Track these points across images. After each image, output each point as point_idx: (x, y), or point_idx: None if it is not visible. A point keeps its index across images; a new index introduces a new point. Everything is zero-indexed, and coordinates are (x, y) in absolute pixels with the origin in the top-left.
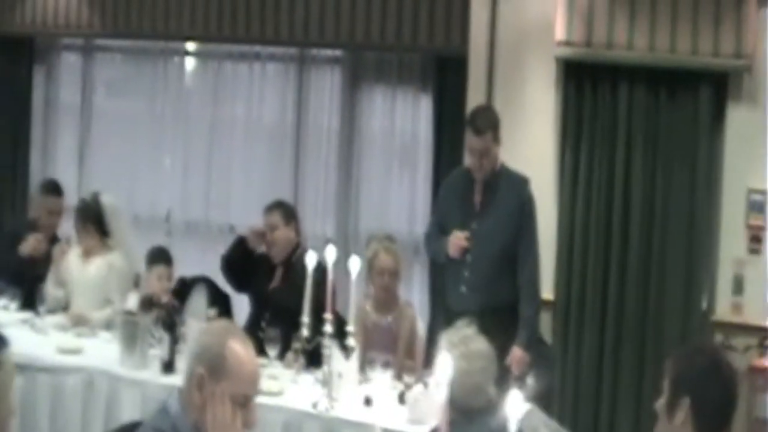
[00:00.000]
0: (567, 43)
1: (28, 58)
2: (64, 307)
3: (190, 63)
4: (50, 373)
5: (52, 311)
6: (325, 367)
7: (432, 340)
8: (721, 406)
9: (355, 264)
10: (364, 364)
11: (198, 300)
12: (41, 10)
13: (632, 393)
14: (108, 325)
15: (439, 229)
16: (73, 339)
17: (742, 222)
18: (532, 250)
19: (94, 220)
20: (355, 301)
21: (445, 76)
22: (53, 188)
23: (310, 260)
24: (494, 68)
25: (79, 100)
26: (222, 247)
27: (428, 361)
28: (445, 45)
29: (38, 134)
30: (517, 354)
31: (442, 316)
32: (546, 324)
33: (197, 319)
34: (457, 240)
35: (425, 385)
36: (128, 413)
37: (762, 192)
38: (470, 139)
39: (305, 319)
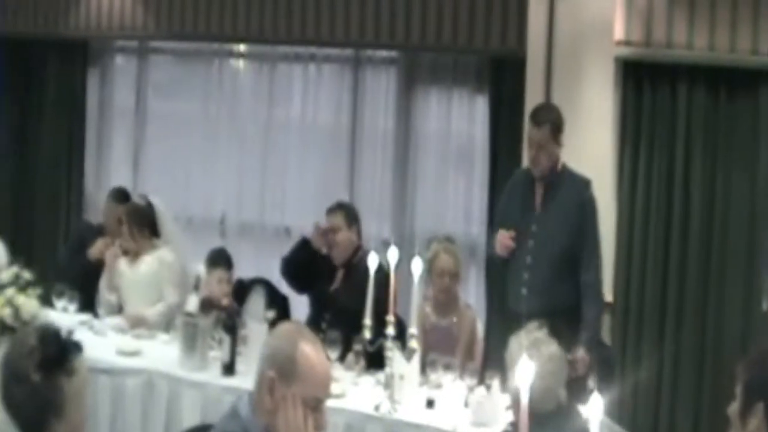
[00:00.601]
0: (626, 43)
1: (82, 62)
2: (118, 311)
3: (244, 65)
4: (110, 375)
5: (108, 315)
6: (387, 369)
7: (489, 341)
8: None
9: (417, 266)
10: (426, 366)
11: (256, 302)
12: (95, 13)
13: (692, 394)
14: (165, 325)
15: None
16: (132, 341)
17: None
18: (594, 252)
19: (148, 223)
20: (416, 302)
21: (501, 77)
22: (123, 196)
23: (372, 262)
24: (552, 69)
25: (133, 102)
26: (277, 248)
27: (486, 363)
28: (502, 46)
29: (93, 137)
30: (579, 355)
31: (500, 317)
32: (605, 326)
33: (256, 321)
34: (503, 238)
35: (488, 387)
36: (188, 415)
37: None
38: (529, 131)
39: (367, 321)
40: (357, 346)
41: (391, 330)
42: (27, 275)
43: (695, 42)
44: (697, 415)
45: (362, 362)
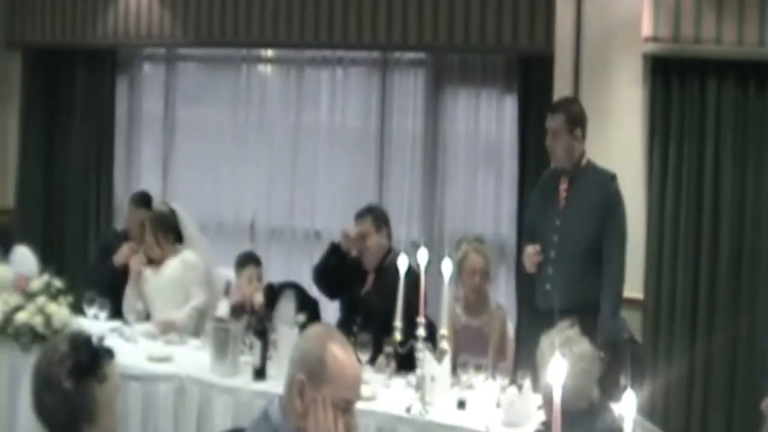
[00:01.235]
0: (654, 39)
1: (110, 70)
2: (145, 317)
3: (272, 70)
4: (141, 381)
5: (136, 322)
6: (418, 371)
7: (520, 341)
8: None
9: (447, 267)
10: (457, 367)
11: (287, 306)
12: (123, 21)
13: (724, 392)
14: (195, 329)
15: (530, 231)
16: (163, 347)
17: None
18: (616, 246)
19: (172, 229)
20: (447, 303)
21: (529, 76)
22: (145, 200)
23: (402, 264)
24: (580, 66)
25: (161, 109)
26: (307, 252)
27: (518, 363)
28: (530, 45)
29: (122, 144)
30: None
31: (531, 316)
32: (636, 323)
33: (287, 325)
34: (529, 256)
35: (519, 387)
36: (220, 420)
37: None
38: (546, 120)
39: (398, 323)
40: (388, 349)
41: (421, 331)
42: (58, 283)
43: (724, 37)
44: (730, 413)
45: (393, 364)
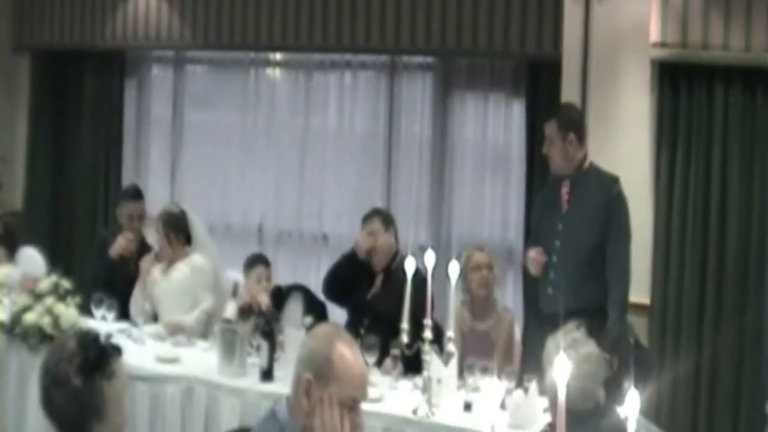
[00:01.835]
0: (662, 45)
1: (119, 72)
2: (152, 319)
3: (280, 73)
4: (149, 382)
5: (144, 323)
6: (424, 373)
7: (526, 344)
8: None
9: (454, 269)
10: (463, 370)
11: (294, 308)
12: (132, 23)
13: (730, 397)
14: (203, 331)
15: (535, 236)
16: (171, 348)
17: None
18: (620, 249)
19: (183, 229)
20: (454, 306)
21: (537, 81)
22: (133, 193)
23: (410, 267)
24: (588, 71)
25: (170, 112)
26: (314, 256)
27: (524, 366)
28: (537, 50)
29: (130, 147)
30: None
31: (537, 320)
32: (642, 327)
33: (294, 327)
34: (532, 259)
35: (525, 390)
36: (227, 421)
37: None
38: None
39: (405, 325)
40: (395, 351)
41: (428, 334)
42: (66, 284)
43: (731, 43)
44: (736, 417)
45: (400, 367)
